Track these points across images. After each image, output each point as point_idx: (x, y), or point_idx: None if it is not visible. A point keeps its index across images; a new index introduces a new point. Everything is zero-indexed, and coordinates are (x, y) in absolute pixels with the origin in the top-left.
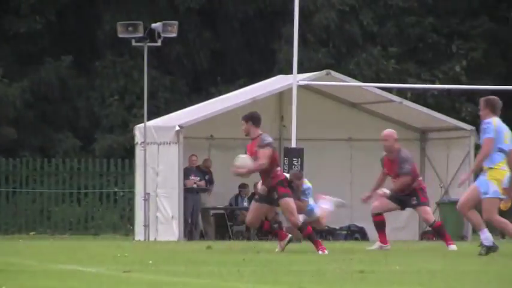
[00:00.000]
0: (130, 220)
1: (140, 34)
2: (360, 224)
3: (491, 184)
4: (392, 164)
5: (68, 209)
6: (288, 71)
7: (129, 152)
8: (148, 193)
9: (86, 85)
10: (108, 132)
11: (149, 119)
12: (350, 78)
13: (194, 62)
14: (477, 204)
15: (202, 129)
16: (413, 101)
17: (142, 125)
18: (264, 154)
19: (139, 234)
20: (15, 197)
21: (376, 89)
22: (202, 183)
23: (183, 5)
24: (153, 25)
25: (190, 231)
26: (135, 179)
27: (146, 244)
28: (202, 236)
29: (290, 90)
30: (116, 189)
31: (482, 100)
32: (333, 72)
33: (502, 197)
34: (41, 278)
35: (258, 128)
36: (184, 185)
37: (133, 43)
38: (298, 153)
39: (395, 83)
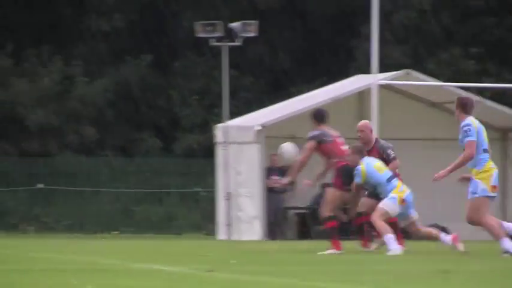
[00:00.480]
0: (212, 219)
1: (219, 34)
2: (442, 224)
3: (479, 183)
4: (370, 155)
5: (150, 208)
6: (366, 70)
7: (209, 152)
8: (230, 192)
9: (166, 84)
10: (189, 131)
11: (230, 118)
12: (430, 78)
13: (274, 61)
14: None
15: (283, 129)
16: (494, 101)
17: (223, 124)
18: (306, 147)
19: (221, 233)
20: (98, 197)
21: (456, 88)
22: (285, 181)
23: (264, 4)
24: (233, 24)
25: (272, 231)
26: (216, 178)
27: (229, 243)
28: (284, 236)
29: (370, 89)
30: (198, 189)
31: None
32: (412, 72)
33: (491, 194)
34: (123, 278)
35: (319, 124)
36: (266, 184)
37: (213, 43)
38: None
39: (474, 82)
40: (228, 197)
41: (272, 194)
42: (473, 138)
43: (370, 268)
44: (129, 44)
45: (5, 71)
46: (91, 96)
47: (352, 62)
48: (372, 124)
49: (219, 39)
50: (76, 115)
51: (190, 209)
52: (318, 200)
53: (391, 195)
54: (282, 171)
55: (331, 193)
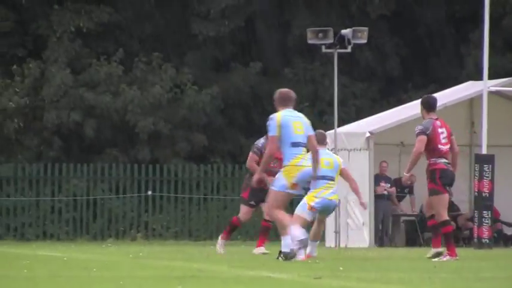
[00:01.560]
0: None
1: (330, 40)
2: None
3: None
4: None
5: (259, 215)
6: (476, 76)
7: None
8: (339, 200)
9: (274, 88)
10: None
11: (340, 125)
12: None
13: (384, 68)
14: None
15: (392, 136)
16: None
17: (332, 131)
18: (416, 141)
19: (330, 240)
20: (207, 204)
21: None
22: (393, 189)
23: (374, 11)
24: (343, 31)
25: (381, 238)
26: None
27: (337, 251)
28: (393, 243)
29: (480, 96)
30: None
31: None
32: None
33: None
34: (232, 285)
35: (429, 112)
36: (375, 191)
37: (323, 49)
38: (489, 159)
39: None
40: (338, 204)
41: (381, 201)
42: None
43: (478, 276)
44: (238, 51)
45: (116, 79)
46: (201, 104)
47: (461, 69)
48: (482, 130)
49: (329, 45)
50: (186, 122)
51: None
52: None
53: None
54: (390, 178)
55: (432, 199)
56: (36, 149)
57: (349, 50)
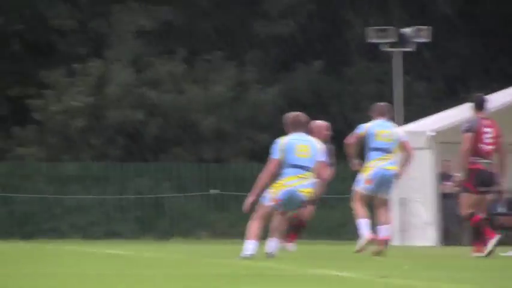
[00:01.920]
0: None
1: (392, 39)
2: None
3: None
4: None
5: (323, 214)
6: None
7: None
8: (404, 198)
9: (338, 90)
10: None
11: (403, 124)
12: None
13: (447, 66)
14: None
15: (455, 134)
16: None
17: None
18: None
19: (395, 239)
20: None
21: None
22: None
23: (437, 10)
24: (406, 30)
25: (446, 237)
26: None
27: (402, 249)
28: (459, 242)
29: None
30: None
31: None
32: None
33: None
34: (299, 283)
35: (478, 111)
36: (440, 190)
37: (385, 48)
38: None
39: None
40: (402, 202)
41: (446, 200)
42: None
43: None
44: (300, 49)
45: (179, 77)
46: (264, 102)
47: None
48: None
49: (391, 44)
50: (249, 121)
51: None
52: (495, 206)
53: None
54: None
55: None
56: (100, 147)
57: (411, 49)
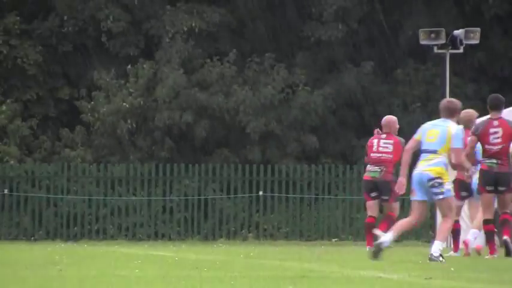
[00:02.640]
0: (432, 227)
1: (442, 41)
2: None
3: None
4: None
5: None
6: None
7: None
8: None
9: (388, 91)
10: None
11: None
12: None
13: (496, 69)
14: None
15: None
16: None
17: None
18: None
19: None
20: (318, 204)
21: None
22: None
23: (488, 12)
24: (455, 32)
25: None
26: None
27: (445, 251)
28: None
29: None
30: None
31: None
32: None
33: None
34: (343, 284)
35: (491, 111)
36: None
37: (436, 50)
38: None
39: None
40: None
41: None
42: None
43: None
44: (350, 51)
45: (228, 79)
46: (312, 104)
47: None
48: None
49: (441, 46)
50: (297, 123)
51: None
52: None
53: None
54: None
55: None
56: (147, 149)
57: (461, 50)
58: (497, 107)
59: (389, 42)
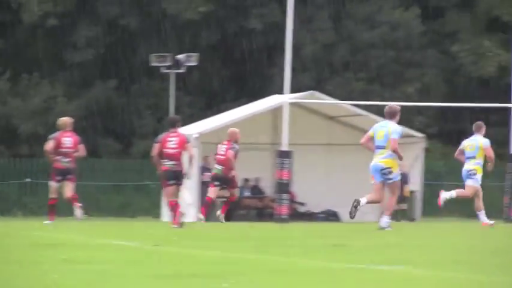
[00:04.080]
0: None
1: (169, 63)
2: (334, 209)
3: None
4: None
5: (112, 197)
6: (281, 91)
7: None
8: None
9: (127, 102)
10: (143, 138)
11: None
12: (328, 97)
13: (209, 85)
14: None
15: (215, 136)
16: (377, 115)
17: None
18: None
19: (165, 216)
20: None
21: (349, 105)
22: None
23: (203, 40)
24: (178, 56)
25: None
26: None
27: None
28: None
29: (282, 106)
30: (149, 182)
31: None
32: (316, 93)
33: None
34: (80, 251)
35: (170, 128)
36: (201, 179)
37: (163, 70)
38: (288, 154)
39: (363, 100)
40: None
41: (205, 187)
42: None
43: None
44: (98, 70)
45: (3, 92)
46: (69, 112)
47: (272, 86)
48: (283, 132)
49: (168, 67)
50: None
51: (142, 197)
52: (240, 191)
53: None
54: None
55: None
56: None
57: (183, 70)
58: (175, 125)
59: (129, 63)
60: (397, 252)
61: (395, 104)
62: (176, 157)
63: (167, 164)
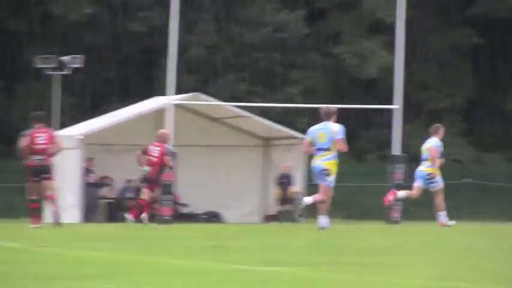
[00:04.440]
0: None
1: (53, 65)
2: (217, 210)
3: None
4: None
5: None
6: (166, 93)
7: None
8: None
9: (10, 103)
10: None
11: (59, 129)
12: (212, 99)
13: (94, 87)
14: None
15: (99, 138)
16: (261, 116)
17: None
18: None
19: (48, 218)
20: None
21: (232, 107)
22: (95, 178)
23: (88, 42)
24: (63, 58)
25: (87, 216)
26: None
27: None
28: (97, 219)
29: (167, 107)
30: None
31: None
32: (200, 94)
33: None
34: None
35: (34, 123)
36: (84, 180)
37: (48, 72)
38: (173, 155)
39: (247, 102)
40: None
41: (88, 187)
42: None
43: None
44: None
45: None
46: None
47: (157, 87)
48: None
49: (53, 69)
50: None
51: (25, 198)
52: (123, 192)
53: None
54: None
55: None
56: None
57: (67, 72)
58: (40, 121)
59: (15, 65)
60: (280, 254)
61: (332, 106)
62: (45, 152)
63: (35, 158)
